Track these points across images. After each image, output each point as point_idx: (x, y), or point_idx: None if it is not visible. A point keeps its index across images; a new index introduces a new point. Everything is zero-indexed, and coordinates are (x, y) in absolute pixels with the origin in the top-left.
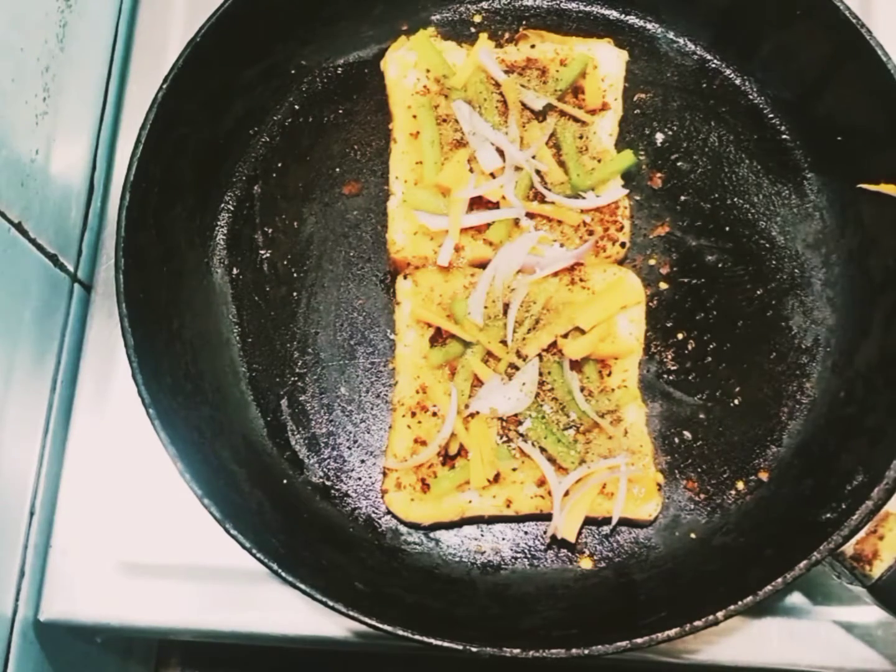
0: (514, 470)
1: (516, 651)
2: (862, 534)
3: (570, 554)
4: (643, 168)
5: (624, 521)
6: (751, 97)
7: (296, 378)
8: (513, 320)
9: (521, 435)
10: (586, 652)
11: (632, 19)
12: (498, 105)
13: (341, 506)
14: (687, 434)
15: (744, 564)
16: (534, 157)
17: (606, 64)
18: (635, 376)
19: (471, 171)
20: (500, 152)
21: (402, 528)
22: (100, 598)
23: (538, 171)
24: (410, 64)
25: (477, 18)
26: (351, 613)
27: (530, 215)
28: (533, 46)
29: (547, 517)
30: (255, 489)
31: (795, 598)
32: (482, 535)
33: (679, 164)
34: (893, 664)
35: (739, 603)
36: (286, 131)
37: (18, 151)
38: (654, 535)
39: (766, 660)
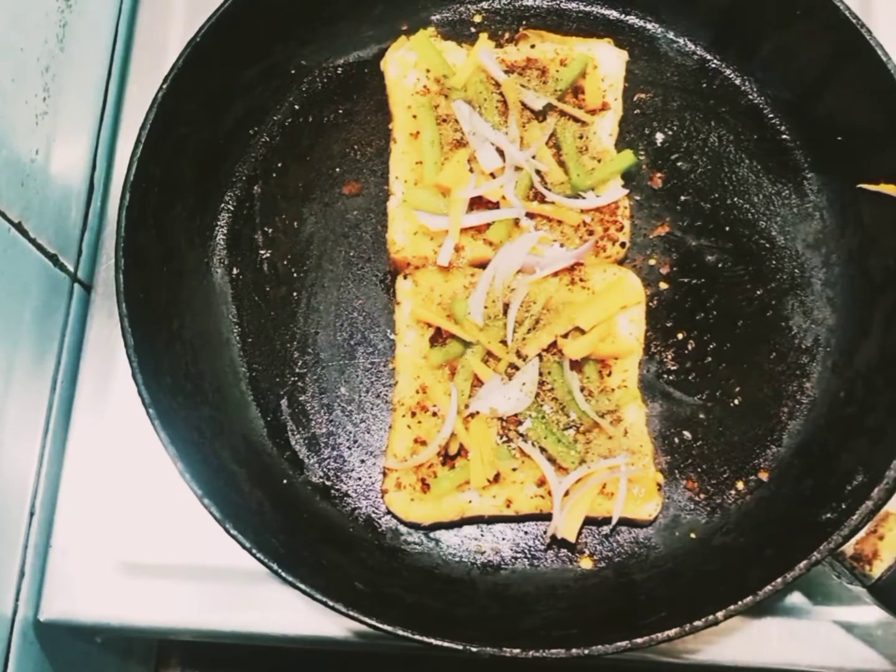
0: (514, 470)
1: (516, 651)
2: (862, 534)
3: (570, 554)
4: (643, 168)
5: (624, 521)
6: (751, 97)
7: (296, 378)
8: (513, 320)
9: (521, 435)
10: (586, 652)
11: (632, 19)
12: (498, 105)
13: (341, 506)
14: (687, 434)
15: (744, 564)
16: (534, 157)
17: (606, 64)
18: (635, 376)
19: (471, 171)
20: (500, 152)
21: (402, 528)
22: (100, 598)
23: (538, 171)
24: (410, 64)
25: (477, 18)
26: (351, 613)
27: (530, 215)
28: (533, 46)
29: (547, 517)
30: (255, 489)
31: (795, 598)
32: (482, 535)
33: (679, 164)
34: (893, 664)
35: (739, 603)
36: (286, 131)
37: (18, 151)
38: (654, 535)
39: (766, 660)
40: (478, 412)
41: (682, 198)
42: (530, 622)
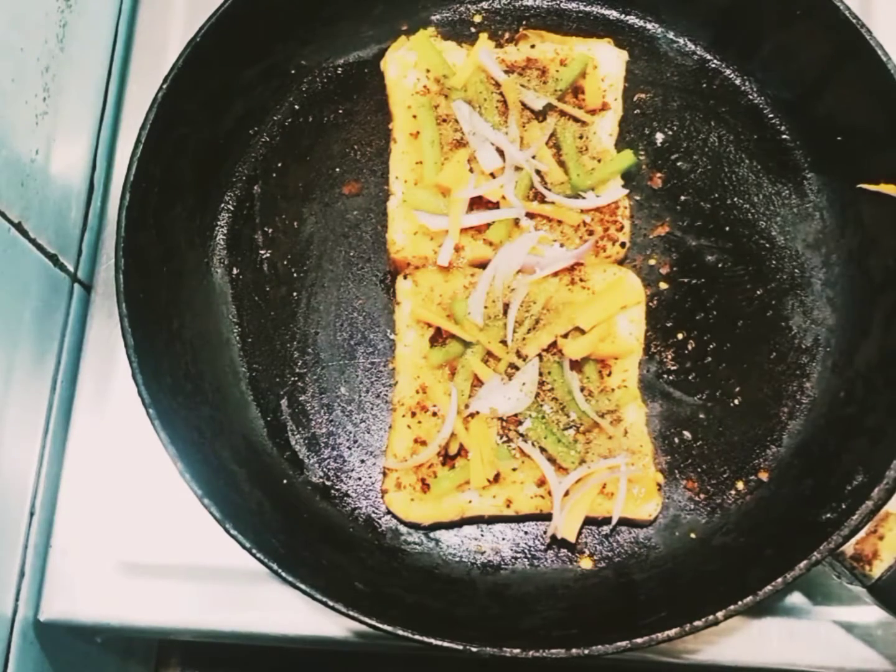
0: (514, 470)
1: (516, 651)
2: (862, 534)
3: (570, 554)
4: (643, 168)
5: (624, 521)
6: (751, 97)
7: (296, 378)
8: (513, 320)
9: (521, 435)
10: (586, 652)
11: (632, 19)
12: (498, 105)
13: (341, 506)
14: (687, 434)
15: (744, 564)
16: (534, 157)
17: (606, 64)
18: (635, 376)
19: (471, 171)
20: (500, 152)
21: (402, 528)
22: (100, 598)
23: (538, 171)
24: (410, 64)
25: (477, 18)
26: (351, 613)
27: (530, 215)
28: (533, 46)
29: (547, 517)
30: (255, 489)
31: (795, 598)
32: (482, 535)
33: (679, 164)
34: (893, 664)
35: (739, 603)
36: (286, 131)
37: (18, 151)
38: (654, 535)
39: (766, 660)
40: (478, 412)
41: (682, 198)
42: (530, 622)
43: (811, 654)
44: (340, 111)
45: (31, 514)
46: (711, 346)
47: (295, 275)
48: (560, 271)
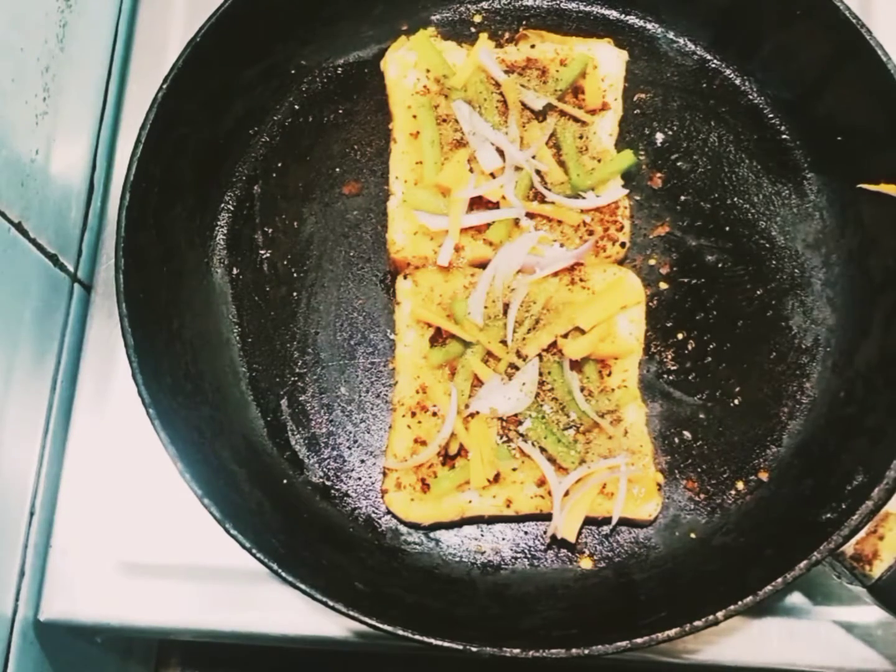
0: (514, 470)
1: (516, 651)
2: (862, 534)
3: (570, 554)
4: (643, 168)
5: (624, 521)
6: (751, 97)
7: (296, 378)
8: (513, 320)
9: (521, 435)
10: (586, 652)
11: (632, 19)
12: (498, 105)
13: (341, 506)
14: (687, 434)
15: (744, 564)
16: (534, 157)
17: (606, 64)
18: (635, 376)
19: (471, 171)
20: (500, 152)
21: (402, 528)
22: (100, 598)
23: (538, 171)
24: (410, 64)
25: (477, 18)
26: (351, 613)
27: (530, 215)
28: (533, 46)
29: (547, 517)
30: (255, 489)
31: (795, 598)
32: (482, 535)
33: (679, 164)
34: (893, 664)
35: (739, 603)
36: (286, 131)
37: (18, 151)
38: (654, 535)
39: (766, 660)
40: (478, 412)
41: (682, 198)
42: (530, 622)
43: (811, 654)
44: (340, 111)
45: (31, 514)
46: (711, 346)
47: (295, 275)
48: (560, 271)
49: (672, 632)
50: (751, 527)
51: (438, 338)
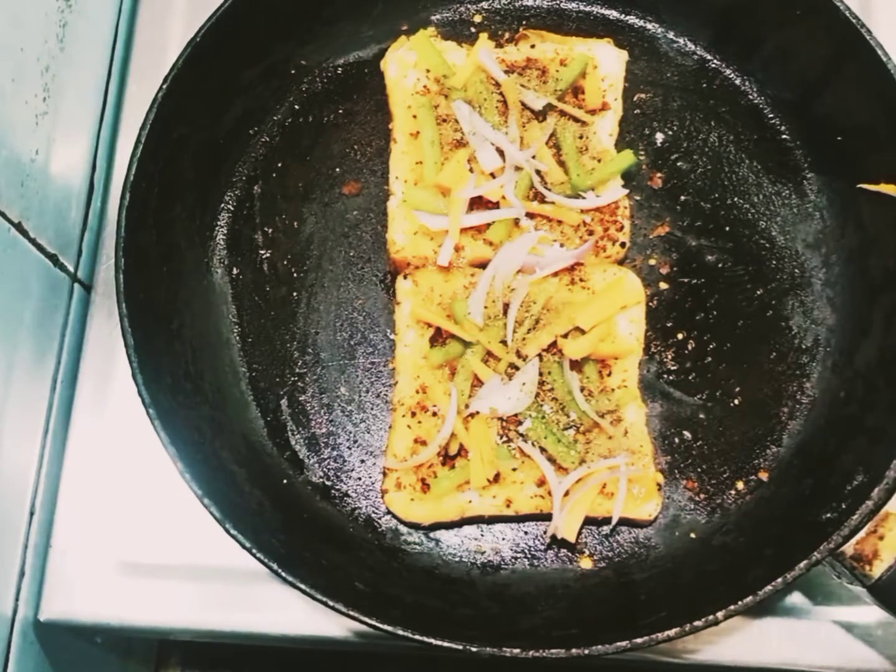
0: (514, 470)
1: (516, 651)
2: (862, 534)
3: (570, 554)
4: (643, 168)
5: (624, 521)
6: (751, 97)
7: (296, 378)
8: (513, 320)
9: (521, 435)
10: (586, 652)
11: (632, 19)
12: (498, 105)
13: (341, 506)
14: (687, 434)
15: (744, 564)
16: (534, 157)
17: (606, 64)
18: (635, 376)
19: (471, 171)
20: (500, 152)
21: (402, 528)
22: (100, 598)
23: (538, 171)
24: (410, 64)
25: (477, 18)
26: (351, 613)
27: (530, 215)
28: (533, 46)
29: (547, 517)
30: (255, 489)
31: (795, 598)
32: (482, 535)
33: (679, 164)
34: (893, 664)
35: (739, 603)
36: (286, 131)
37: (18, 151)
38: (654, 535)
39: (766, 660)
40: (478, 412)
41: (682, 198)
42: (530, 622)
43: (811, 654)
44: (340, 111)
45: (31, 514)
46: (711, 346)
47: (295, 275)
48: (560, 271)
49: (672, 632)
50: (751, 527)
51: (438, 338)
